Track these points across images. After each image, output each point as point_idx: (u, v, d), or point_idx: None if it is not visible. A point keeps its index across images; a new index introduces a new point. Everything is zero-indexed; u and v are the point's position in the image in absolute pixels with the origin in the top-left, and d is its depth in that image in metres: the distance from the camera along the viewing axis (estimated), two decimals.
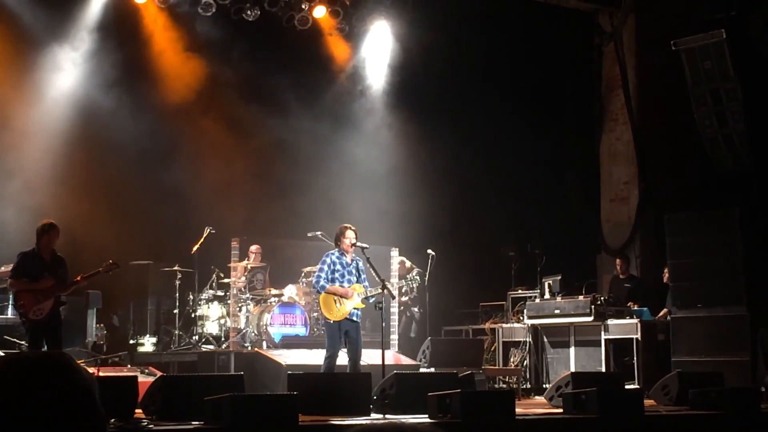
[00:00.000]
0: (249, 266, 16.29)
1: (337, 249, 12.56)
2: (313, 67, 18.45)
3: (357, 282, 12.49)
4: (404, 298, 16.90)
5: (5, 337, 13.78)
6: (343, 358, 12.49)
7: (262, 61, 17.48)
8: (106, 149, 16.45)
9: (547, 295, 16.73)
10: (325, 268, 12.42)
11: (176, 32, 17.29)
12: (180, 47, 17.29)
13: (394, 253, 16.71)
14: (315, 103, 18.23)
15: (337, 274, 12.41)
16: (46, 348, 11.73)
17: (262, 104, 17.47)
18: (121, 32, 16.86)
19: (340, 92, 18.80)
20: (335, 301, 12.27)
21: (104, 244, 14.41)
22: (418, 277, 13.91)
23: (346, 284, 12.39)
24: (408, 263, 16.95)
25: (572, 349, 16.14)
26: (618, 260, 17.36)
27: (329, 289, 12.28)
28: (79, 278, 12.12)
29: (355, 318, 12.35)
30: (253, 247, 16.56)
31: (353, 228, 12.54)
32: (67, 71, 16.51)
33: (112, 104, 16.24)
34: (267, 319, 15.52)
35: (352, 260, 12.55)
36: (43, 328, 11.77)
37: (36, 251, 11.97)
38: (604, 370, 15.37)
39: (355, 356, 12.26)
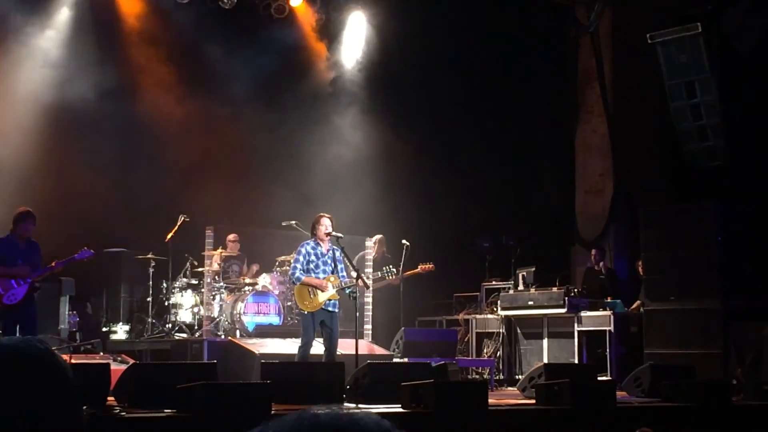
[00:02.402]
0: (224, 255, 16.24)
1: (312, 239, 12.53)
2: (290, 56, 18.41)
3: (333, 272, 12.46)
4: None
5: None
6: (318, 348, 12.49)
7: (238, 49, 17.43)
8: (78, 136, 16.36)
9: (521, 287, 16.77)
10: (301, 258, 12.39)
11: (153, 19, 17.21)
12: (156, 35, 17.20)
13: (369, 243, 16.70)
14: (291, 92, 18.19)
15: (312, 265, 12.38)
16: (19, 334, 11.68)
17: (237, 92, 17.44)
18: (96, 19, 16.76)
19: (316, 82, 18.77)
20: (309, 291, 12.25)
21: (77, 232, 14.35)
22: (394, 269, 13.93)
23: (321, 275, 12.36)
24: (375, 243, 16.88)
25: (545, 341, 16.20)
26: (594, 250, 17.41)
27: (305, 280, 12.26)
28: (53, 263, 12.10)
29: (330, 308, 12.33)
30: (230, 236, 16.51)
31: (329, 216, 12.52)
32: (38, 58, 16.39)
33: (85, 91, 16.13)
34: (240, 307, 15.50)
35: (329, 250, 12.52)
36: (17, 313, 11.73)
37: (11, 238, 11.93)
38: (576, 361, 15.44)
39: (331, 345, 12.25)
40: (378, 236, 16.85)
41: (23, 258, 11.86)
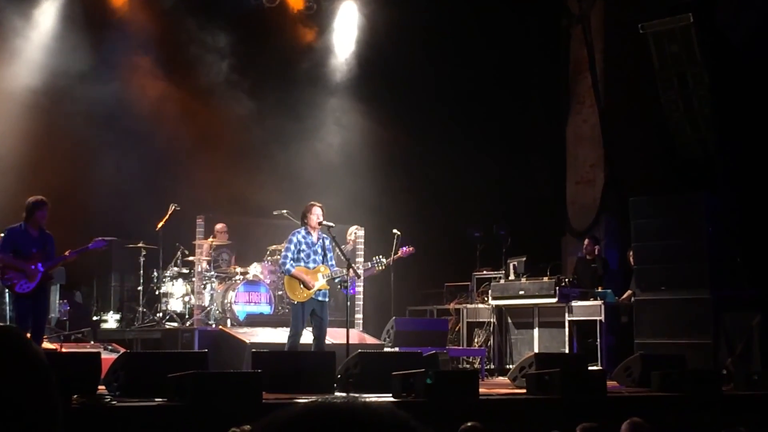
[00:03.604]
0: (214, 244, 16.21)
1: (303, 228, 12.50)
2: (281, 44, 18.36)
3: (323, 262, 12.44)
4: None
5: None
6: (307, 337, 12.48)
7: (229, 37, 17.36)
8: (66, 125, 16.27)
9: (511, 276, 16.78)
10: (292, 247, 12.35)
11: (141, 6, 17.15)
12: (146, 22, 17.12)
13: (360, 232, 16.67)
14: (282, 80, 18.15)
15: (302, 254, 12.35)
16: (31, 323, 11.66)
17: (229, 81, 17.37)
18: (81, 4, 16.70)
19: (307, 70, 18.71)
20: (299, 282, 12.23)
21: (67, 220, 14.29)
22: (384, 260, 13.90)
23: (311, 264, 12.34)
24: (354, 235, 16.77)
25: (536, 330, 16.21)
26: (587, 240, 17.36)
27: (294, 273, 12.23)
28: (67, 253, 12.07)
29: (320, 298, 12.31)
30: (218, 226, 16.48)
31: (320, 205, 12.50)
32: (26, 39, 16.31)
33: (76, 75, 16.05)
34: (231, 296, 15.48)
35: (318, 239, 12.50)
36: (30, 302, 11.68)
37: (23, 227, 11.86)
38: (567, 351, 15.46)
39: (320, 334, 12.24)
40: (354, 226, 16.76)
41: (37, 247, 11.81)
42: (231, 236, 16.58)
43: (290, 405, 1.73)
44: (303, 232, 12.45)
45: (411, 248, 15.52)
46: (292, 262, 12.26)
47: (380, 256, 13.83)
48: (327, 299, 12.47)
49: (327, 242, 12.55)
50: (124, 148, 16.69)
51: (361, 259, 15.85)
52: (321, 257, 12.45)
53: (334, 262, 12.58)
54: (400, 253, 15.29)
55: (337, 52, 19.07)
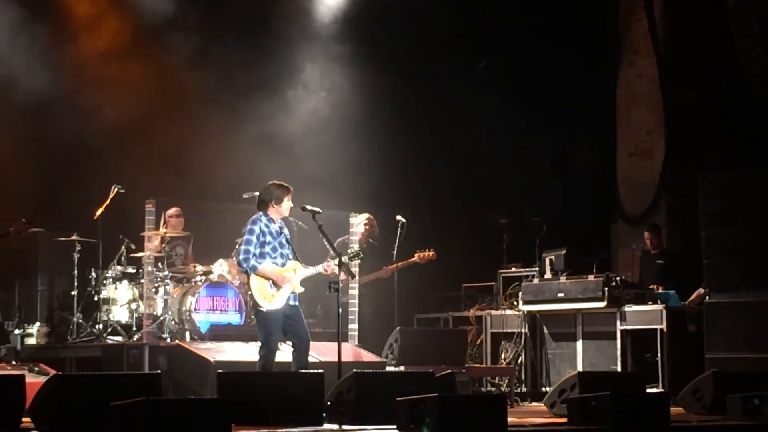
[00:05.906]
0: (167, 236, 16.18)
1: (263, 214, 12.35)
2: None
3: (294, 257, 12.40)
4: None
5: None
6: (281, 355, 12.47)
7: None
8: None
9: (548, 275, 16.79)
10: (254, 240, 12.19)
11: None
12: None
13: (354, 220, 16.62)
14: (254, 31, 18.07)
15: (267, 248, 12.24)
16: None
17: (187, 34, 17.29)
18: None
19: (286, 16, 18.62)
20: (270, 282, 12.18)
21: None
22: (360, 252, 13.56)
23: (279, 260, 12.28)
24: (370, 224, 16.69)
25: (579, 343, 16.25)
26: (646, 233, 17.29)
27: (262, 271, 12.13)
28: None
29: (292, 302, 12.27)
30: (171, 211, 16.45)
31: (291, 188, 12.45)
32: None
33: None
34: (191, 303, 15.49)
35: (281, 227, 12.43)
36: None
37: None
38: (619, 369, 15.48)
39: (301, 346, 12.14)
40: (364, 215, 16.67)
41: None
42: (189, 226, 16.58)
43: None
44: (265, 219, 12.32)
45: (431, 252, 15.41)
46: (256, 257, 12.17)
47: (354, 248, 13.65)
48: (297, 302, 12.38)
49: (286, 231, 12.51)
50: (53, 115, 16.63)
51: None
52: (288, 250, 12.38)
53: (297, 258, 12.52)
54: (416, 258, 15.22)
55: None
